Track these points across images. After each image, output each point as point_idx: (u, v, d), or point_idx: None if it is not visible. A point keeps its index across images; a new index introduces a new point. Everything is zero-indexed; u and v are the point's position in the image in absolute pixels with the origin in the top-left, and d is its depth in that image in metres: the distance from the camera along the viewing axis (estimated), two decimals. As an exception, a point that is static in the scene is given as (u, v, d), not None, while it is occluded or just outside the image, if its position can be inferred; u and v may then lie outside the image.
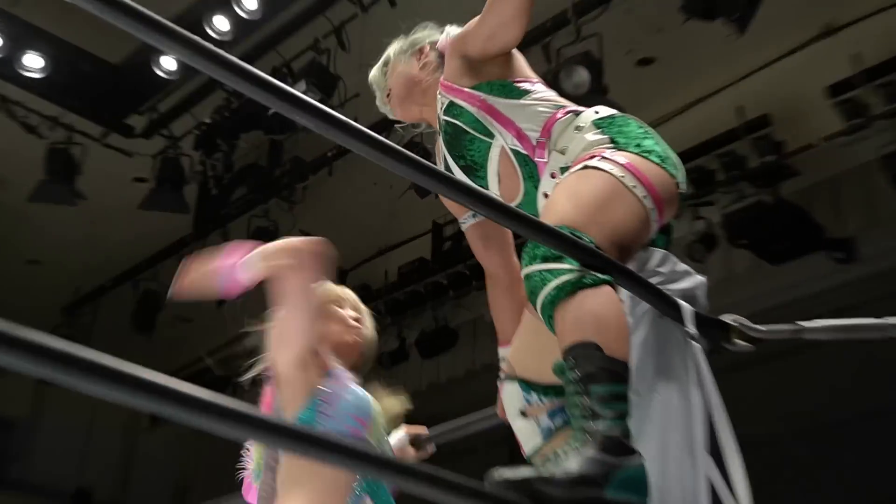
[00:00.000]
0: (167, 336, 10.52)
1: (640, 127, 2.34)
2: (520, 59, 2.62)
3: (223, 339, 11.02)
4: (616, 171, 2.12)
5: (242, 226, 9.20)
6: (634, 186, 2.11)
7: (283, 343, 2.51)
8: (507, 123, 2.46)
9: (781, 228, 7.78)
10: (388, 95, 2.84)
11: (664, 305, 2.04)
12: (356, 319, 2.80)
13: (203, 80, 8.10)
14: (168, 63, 7.80)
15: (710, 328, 2.13)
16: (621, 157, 2.17)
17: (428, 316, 9.59)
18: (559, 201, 2.13)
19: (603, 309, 1.88)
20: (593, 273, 1.90)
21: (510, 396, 2.45)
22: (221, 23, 7.35)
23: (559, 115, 2.42)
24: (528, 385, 2.43)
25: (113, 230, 9.94)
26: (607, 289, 1.91)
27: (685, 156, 8.21)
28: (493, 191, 2.55)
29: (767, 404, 9.47)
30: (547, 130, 2.40)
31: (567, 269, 1.90)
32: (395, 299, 9.63)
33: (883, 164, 7.37)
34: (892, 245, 7.85)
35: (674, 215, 2.28)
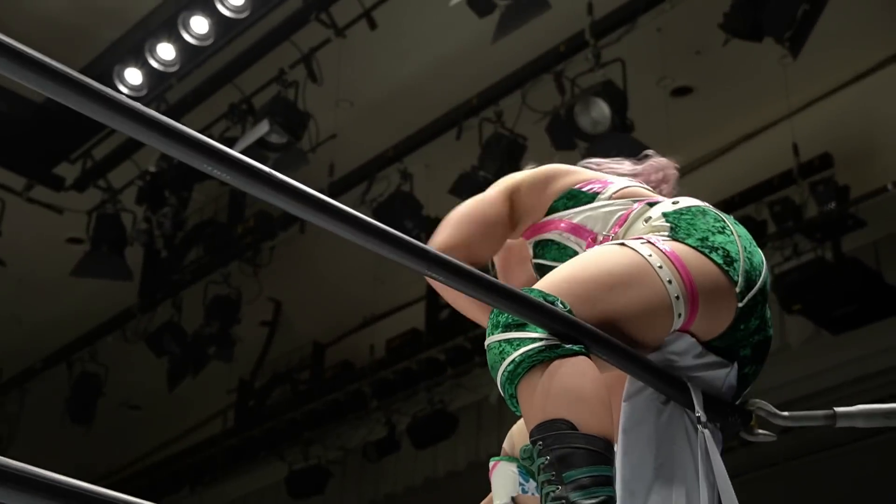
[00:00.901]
0: (110, 426, 10.25)
1: (719, 221, 2.22)
2: (568, 170, 2.54)
3: (178, 429, 10.68)
4: (645, 250, 2.06)
5: (198, 294, 8.93)
6: (661, 267, 2.02)
7: None
8: (584, 234, 2.38)
9: (845, 290, 7.48)
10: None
11: (668, 388, 1.94)
12: None
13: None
14: (104, 100, 7.37)
15: (726, 415, 2.04)
16: (667, 244, 2.09)
17: (422, 398, 9.28)
18: (559, 268, 2.10)
19: (575, 380, 1.82)
20: (562, 344, 1.84)
21: (504, 478, 2.34)
22: (166, 50, 7.08)
23: (633, 209, 2.33)
24: (527, 471, 2.32)
25: (42, 302, 9.67)
26: (581, 359, 1.85)
27: (729, 204, 7.90)
28: None
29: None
30: (618, 225, 2.31)
31: (530, 338, 1.84)
32: (383, 379, 9.37)
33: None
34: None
35: (720, 326, 2.12)
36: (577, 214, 2.39)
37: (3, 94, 7.62)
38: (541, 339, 1.83)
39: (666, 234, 2.14)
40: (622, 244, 2.10)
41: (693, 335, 2.09)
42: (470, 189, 7.12)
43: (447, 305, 8.90)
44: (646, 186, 2.49)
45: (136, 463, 10.65)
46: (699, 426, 1.93)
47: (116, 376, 9.81)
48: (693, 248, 2.09)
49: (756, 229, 7.73)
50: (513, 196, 2.45)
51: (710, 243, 2.11)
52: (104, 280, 8.43)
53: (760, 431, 2.09)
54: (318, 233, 8.16)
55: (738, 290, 2.09)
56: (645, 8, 6.66)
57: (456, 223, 2.43)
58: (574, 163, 2.57)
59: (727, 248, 2.12)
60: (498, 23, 6.31)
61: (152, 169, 8.06)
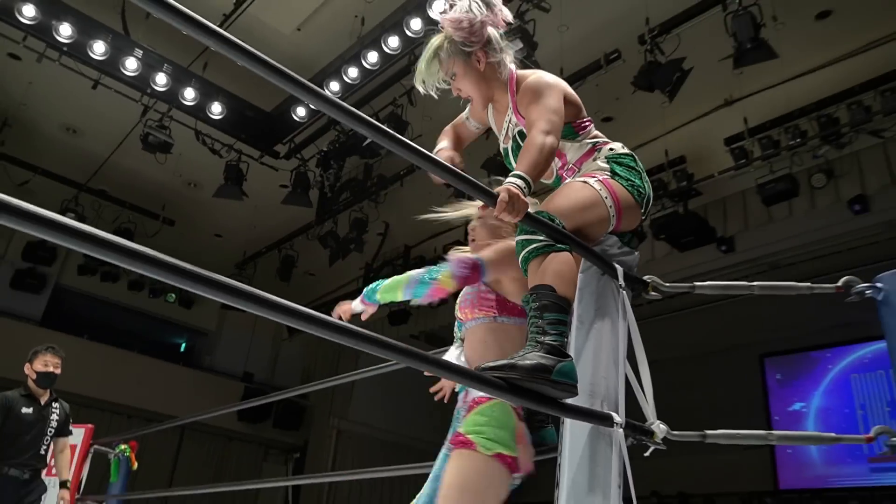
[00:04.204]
0: (299, 284, 10.36)
1: (638, 167, 2.08)
2: (578, 99, 2.19)
3: (333, 286, 10.88)
4: (597, 185, 1.96)
5: (346, 217, 8.85)
6: (606, 197, 1.95)
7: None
8: (560, 156, 2.17)
9: (687, 229, 7.57)
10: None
11: (605, 266, 1.89)
12: None
13: (323, 122, 7.86)
14: (301, 111, 7.61)
15: (635, 283, 1.97)
16: (609, 181, 1.99)
17: (461, 276, 9.18)
18: (558, 195, 1.94)
19: (559, 265, 1.75)
20: (557, 244, 1.78)
21: None
22: (335, 86, 6.96)
23: (595, 151, 2.12)
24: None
25: (266, 217, 9.70)
26: (565, 254, 1.78)
27: (628, 181, 7.92)
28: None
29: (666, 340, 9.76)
30: (580, 163, 2.12)
31: (540, 239, 1.78)
32: (442, 266, 9.29)
33: (756, 190, 7.22)
34: (759, 242, 7.72)
35: (631, 227, 2.06)
36: (563, 144, 2.14)
37: (248, 105, 7.70)
38: (546, 241, 1.78)
39: (608, 173, 2.01)
40: (585, 182, 1.97)
41: (616, 234, 2.01)
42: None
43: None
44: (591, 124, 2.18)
45: (311, 303, 10.36)
46: (621, 289, 1.86)
47: (303, 258, 9.97)
48: (623, 186, 1.99)
49: (642, 195, 7.79)
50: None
51: (632, 183, 2.01)
52: (298, 207, 8.40)
53: (653, 293, 2.01)
54: (410, 186, 8.15)
55: (642, 210, 2.03)
56: (589, 73, 6.56)
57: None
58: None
59: (642, 187, 2.04)
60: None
61: (325, 149, 8.00)
